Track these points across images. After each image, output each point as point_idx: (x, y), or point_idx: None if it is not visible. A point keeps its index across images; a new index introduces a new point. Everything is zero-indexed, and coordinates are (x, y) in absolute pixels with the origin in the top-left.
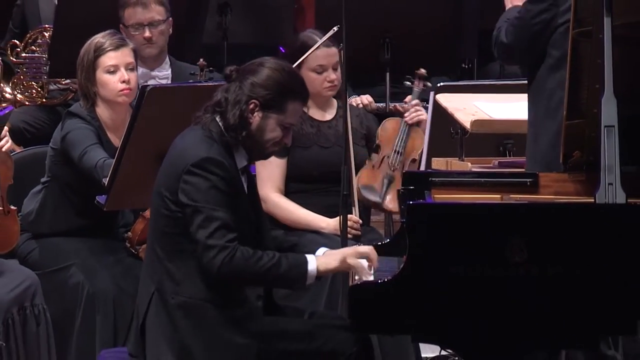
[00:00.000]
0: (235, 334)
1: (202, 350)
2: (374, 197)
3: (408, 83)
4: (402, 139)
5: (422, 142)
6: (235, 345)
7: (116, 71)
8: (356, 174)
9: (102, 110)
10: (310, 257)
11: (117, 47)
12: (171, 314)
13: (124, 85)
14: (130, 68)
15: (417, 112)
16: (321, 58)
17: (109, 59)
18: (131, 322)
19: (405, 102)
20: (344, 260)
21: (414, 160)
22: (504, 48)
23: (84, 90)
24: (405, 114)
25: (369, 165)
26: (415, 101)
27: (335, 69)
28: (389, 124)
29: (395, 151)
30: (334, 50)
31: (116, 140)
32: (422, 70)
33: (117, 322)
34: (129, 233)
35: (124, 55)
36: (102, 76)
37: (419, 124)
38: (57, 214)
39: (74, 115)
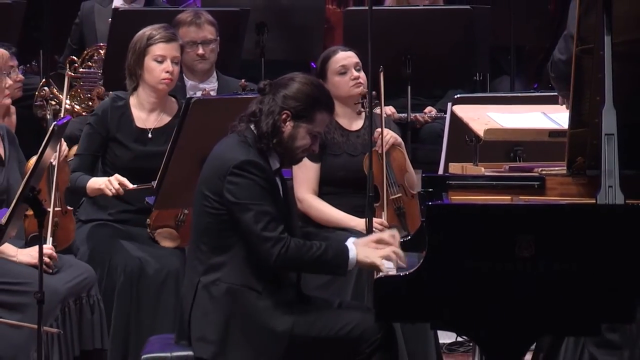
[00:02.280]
0: (272, 317)
1: (241, 330)
2: (402, 233)
3: (361, 109)
4: (387, 169)
5: (404, 154)
6: (272, 326)
7: (163, 61)
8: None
9: (142, 91)
10: (350, 246)
11: (168, 41)
12: (215, 299)
13: (167, 75)
14: (176, 62)
15: (383, 140)
16: (341, 60)
17: (159, 49)
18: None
19: (425, 113)
20: (379, 262)
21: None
22: (552, 61)
23: (131, 71)
24: (376, 147)
25: (379, 208)
26: (378, 129)
27: (357, 69)
28: (367, 161)
29: (388, 184)
30: (351, 52)
31: (140, 119)
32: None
33: (141, 306)
34: (149, 220)
35: (172, 49)
36: (150, 63)
37: (393, 144)
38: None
39: (93, 115)
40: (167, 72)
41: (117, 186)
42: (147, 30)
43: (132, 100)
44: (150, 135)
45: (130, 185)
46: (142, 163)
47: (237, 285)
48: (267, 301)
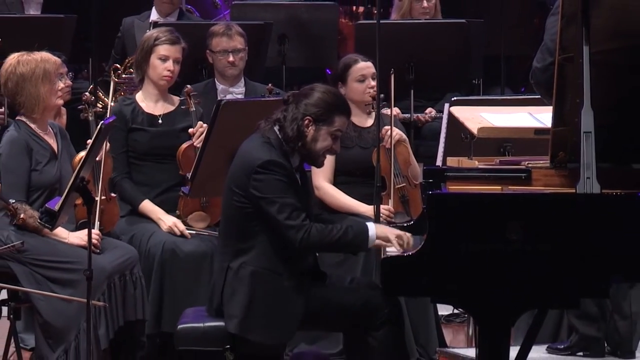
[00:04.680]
0: (290, 298)
1: (262, 308)
2: (405, 218)
3: (371, 110)
4: (393, 163)
5: (408, 149)
6: (289, 306)
7: (166, 60)
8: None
9: (147, 85)
10: (370, 225)
11: (172, 43)
12: (241, 280)
13: (168, 73)
14: (177, 62)
15: (389, 136)
16: (361, 69)
17: (164, 50)
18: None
19: (426, 113)
20: (392, 238)
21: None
22: (531, 70)
23: (138, 65)
24: (383, 142)
25: (386, 196)
26: (386, 127)
27: (373, 79)
28: (376, 155)
29: (394, 175)
30: (369, 63)
31: (149, 108)
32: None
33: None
34: (178, 211)
35: (175, 51)
36: (154, 61)
37: (398, 140)
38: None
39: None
40: (169, 70)
41: (182, 229)
42: (154, 32)
43: (139, 97)
44: (160, 121)
45: (189, 233)
46: (158, 142)
47: (260, 268)
48: (286, 283)
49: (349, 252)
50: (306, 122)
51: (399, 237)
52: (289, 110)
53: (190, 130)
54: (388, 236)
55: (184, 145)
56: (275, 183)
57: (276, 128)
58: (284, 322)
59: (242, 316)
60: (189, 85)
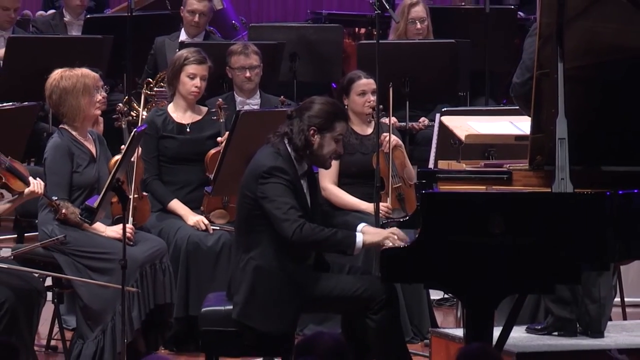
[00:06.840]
0: (287, 293)
1: (261, 300)
2: (401, 214)
3: (371, 119)
4: (391, 166)
5: (404, 153)
6: (285, 300)
7: (194, 78)
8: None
9: (178, 98)
10: (358, 234)
11: (199, 63)
12: (247, 273)
13: (195, 89)
14: (204, 79)
15: (387, 142)
16: (363, 85)
17: (192, 68)
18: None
19: (420, 122)
20: (381, 240)
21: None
22: (511, 85)
23: (169, 82)
24: (382, 147)
25: (385, 195)
26: (385, 134)
27: (372, 94)
28: (375, 158)
29: (392, 176)
30: (371, 80)
31: (179, 118)
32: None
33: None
34: (202, 207)
35: (202, 69)
36: (184, 78)
37: (395, 145)
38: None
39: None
40: (196, 87)
41: (204, 227)
42: (184, 52)
43: (170, 108)
44: (188, 130)
45: (212, 228)
46: (187, 148)
47: (263, 264)
48: (286, 279)
49: (336, 251)
50: (311, 132)
51: (386, 237)
52: (294, 124)
53: (219, 138)
54: (377, 241)
55: (212, 151)
56: (277, 186)
57: (285, 141)
58: (281, 314)
59: (243, 304)
60: (220, 99)
